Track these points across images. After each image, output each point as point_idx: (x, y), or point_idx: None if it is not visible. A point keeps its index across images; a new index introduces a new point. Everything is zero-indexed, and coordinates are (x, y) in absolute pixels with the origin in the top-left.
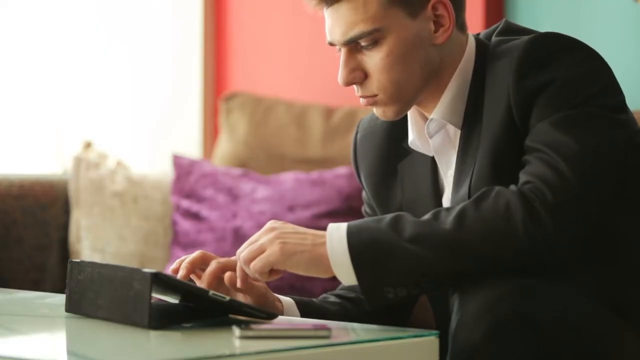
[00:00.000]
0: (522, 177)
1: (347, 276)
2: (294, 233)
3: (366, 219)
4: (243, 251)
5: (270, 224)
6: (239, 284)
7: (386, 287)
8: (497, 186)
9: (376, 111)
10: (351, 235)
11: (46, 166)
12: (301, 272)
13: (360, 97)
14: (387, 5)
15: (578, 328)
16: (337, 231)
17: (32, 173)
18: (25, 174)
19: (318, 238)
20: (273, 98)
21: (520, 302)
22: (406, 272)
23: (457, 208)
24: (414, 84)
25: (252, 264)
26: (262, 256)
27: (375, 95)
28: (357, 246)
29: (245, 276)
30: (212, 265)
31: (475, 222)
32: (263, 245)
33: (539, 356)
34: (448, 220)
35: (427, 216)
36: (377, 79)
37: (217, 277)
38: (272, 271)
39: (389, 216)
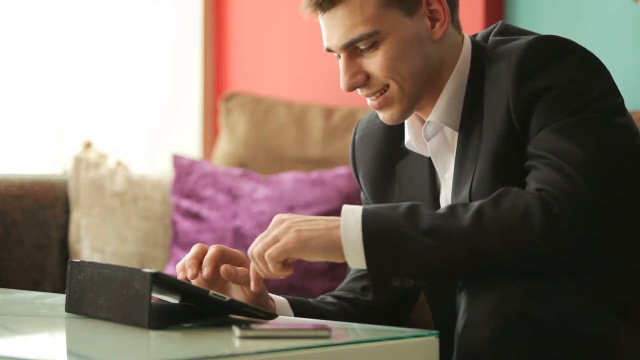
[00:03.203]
0: (533, 183)
1: (356, 260)
2: (305, 221)
3: (381, 205)
4: (255, 246)
5: (278, 217)
6: (253, 287)
7: (394, 276)
8: (515, 187)
9: (383, 115)
10: (366, 220)
11: (46, 166)
12: (318, 258)
13: (370, 97)
14: (384, 7)
15: (583, 330)
16: (353, 214)
17: (32, 173)
18: (25, 174)
19: (331, 222)
20: (273, 98)
21: (526, 303)
22: (417, 263)
23: (475, 205)
24: (417, 81)
25: (267, 252)
26: (277, 244)
27: (386, 88)
28: (372, 232)
29: (258, 277)
30: (213, 249)
31: (493, 221)
32: (277, 236)
33: (544, 358)
34: (466, 217)
35: (443, 210)
36: (382, 75)
37: (218, 260)
38: (284, 266)
39: (404, 205)
